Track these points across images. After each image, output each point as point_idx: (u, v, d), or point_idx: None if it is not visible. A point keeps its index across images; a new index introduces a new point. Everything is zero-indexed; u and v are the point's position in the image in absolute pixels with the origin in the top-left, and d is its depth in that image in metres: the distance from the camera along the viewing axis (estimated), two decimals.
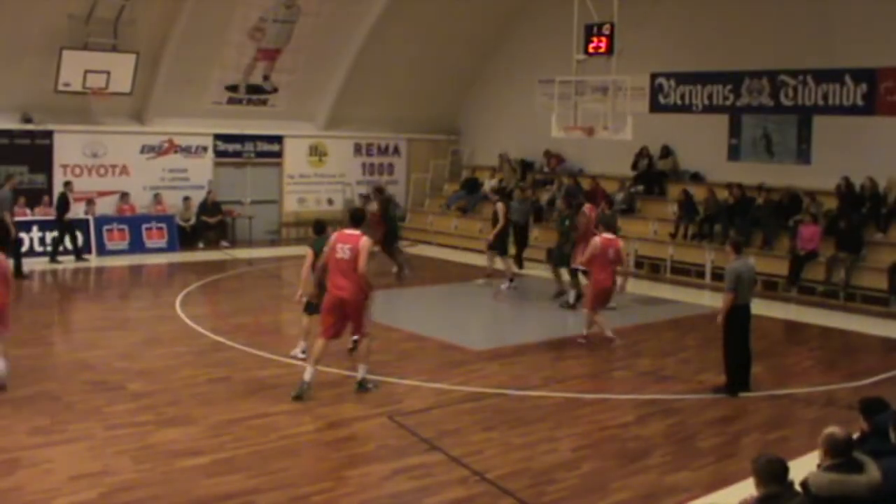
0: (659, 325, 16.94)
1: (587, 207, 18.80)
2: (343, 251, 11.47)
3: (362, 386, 11.92)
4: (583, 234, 17.49)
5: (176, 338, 15.10)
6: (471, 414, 11.21)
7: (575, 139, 22.43)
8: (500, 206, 20.33)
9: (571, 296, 17.68)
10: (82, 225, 23.45)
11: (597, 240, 14.96)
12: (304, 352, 13.30)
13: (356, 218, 12.19)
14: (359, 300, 11.49)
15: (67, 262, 22.43)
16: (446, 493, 8.75)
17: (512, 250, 20.81)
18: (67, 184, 22.99)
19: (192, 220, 25.72)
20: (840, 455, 6.33)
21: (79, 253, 22.81)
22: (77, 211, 23.57)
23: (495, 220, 20.18)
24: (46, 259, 22.36)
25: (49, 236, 22.89)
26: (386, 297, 19.16)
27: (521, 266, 21.11)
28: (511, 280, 19.65)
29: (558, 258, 18.62)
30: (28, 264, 21.27)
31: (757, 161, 23.04)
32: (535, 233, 23.95)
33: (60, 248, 22.66)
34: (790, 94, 22.39)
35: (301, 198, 28.69)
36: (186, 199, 25.84)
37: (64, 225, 22.63)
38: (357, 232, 11.68)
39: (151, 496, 8.38)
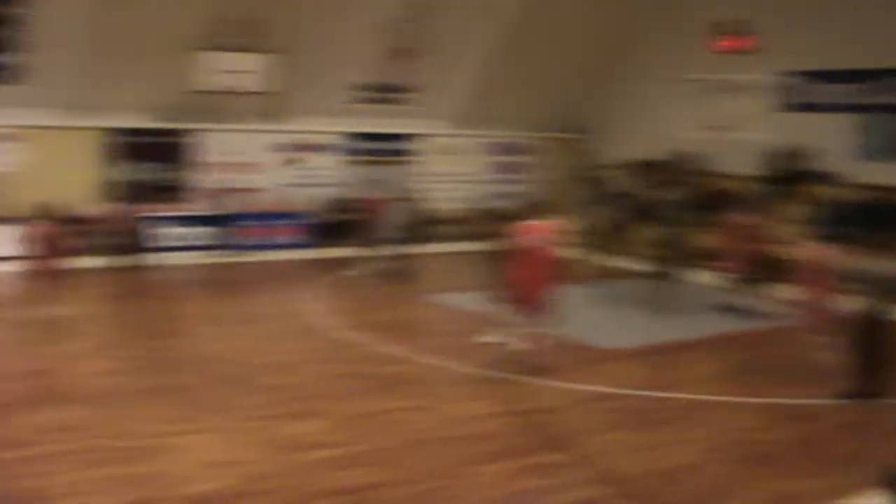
0: (791, 328, 16.41)
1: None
2: (534, 241, 12.47)
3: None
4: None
5: (308, 333, 15.34)
6: (598, 414, 11.08)
7: (706, 138, 22.00)
8: None
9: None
10: (222, 221, 24.07)
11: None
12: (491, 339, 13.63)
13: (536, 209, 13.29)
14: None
15: (220, 257, 23.23)
16: (572, 492, 8.65)
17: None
18: (221, 181, 23.74)
19: (327, 217, 26.06)
20: None
21: (228, 248, 23.55)
22: (213, 207, 24.30)
23: None
24: (202, 253, 23.32)
25: (192, 232, 23.61)
26: None
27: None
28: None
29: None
30: (170, 258, 22.03)
31: (893, 161, 22.17)
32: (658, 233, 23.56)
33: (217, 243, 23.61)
34: None
35: (432, 196, 28.79)
36: (320, 196, 26.21)
37: (219, 220, 23.56)
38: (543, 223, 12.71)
39: (281, 486, 8.52)
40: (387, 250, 21.77)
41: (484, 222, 28.93)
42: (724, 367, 13.77)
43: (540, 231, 12.64)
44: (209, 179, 24.72)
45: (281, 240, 24.80)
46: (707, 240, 18.79)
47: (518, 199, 29.52)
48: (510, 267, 12.74)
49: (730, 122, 24.41)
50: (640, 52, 28.40)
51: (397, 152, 28.20)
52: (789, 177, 24.09)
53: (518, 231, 12.69)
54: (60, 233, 16.63)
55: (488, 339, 13.64)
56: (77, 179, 23.46)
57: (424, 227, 27.94)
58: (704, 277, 17.97)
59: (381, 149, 27.95)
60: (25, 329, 14.95)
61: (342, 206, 26.08)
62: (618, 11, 27.41)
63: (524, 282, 12.55)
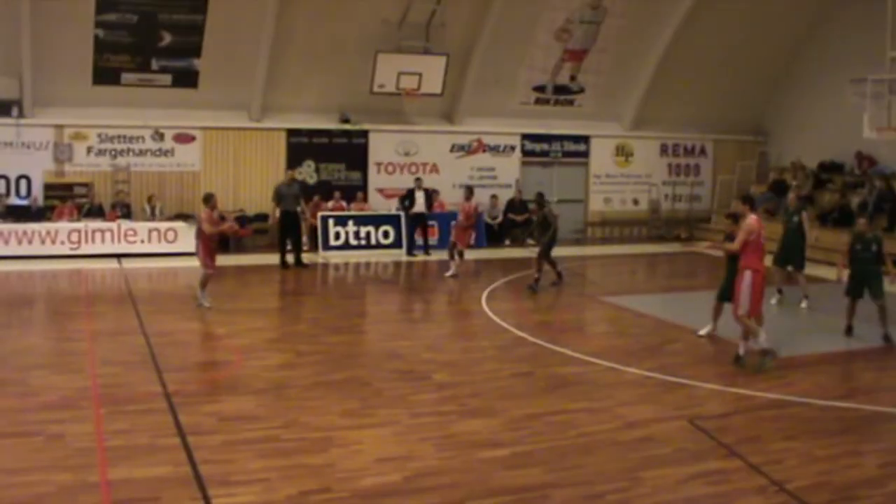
0: None
1: None
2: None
3: (740, 361, 12.90)
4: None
5: (480, 332, 15.41)
6: (772, 421, 10.71)
7: (889, 140, 21.06)
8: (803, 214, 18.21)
9: None
10: (398, 220, 24.45)
11: None
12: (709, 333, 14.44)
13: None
14: None
15: (399, 256, 23.77)
16: (743, 501, 8.38)
17: None
18: (418, 180, 24.21)
19: (500, 218, 26.20)
20: None
21: (407, 247, 24.10)
22: (390, 207, 24.78)
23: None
24: (379, 252, 23.98)
25: (363, 230, 24.07)
26: (684, 299, 18.77)
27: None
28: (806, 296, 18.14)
29: None
30: (343, 256, 22.56)
31: None
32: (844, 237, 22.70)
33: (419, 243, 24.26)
34: None
35: (607, 198, 28.60)
36: (494, 197, 26.36)
37: (395, 220, 24.22)
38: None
39: (451, 483, 8.55)
40: (563, 251, 21.64)
41: (659, 224, 28.58)
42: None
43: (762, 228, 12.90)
44: (386, 179, 25.24)
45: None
46: (894, 246, 17.93)
47: (695, 202, 29.08)
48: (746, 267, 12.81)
49: None
50: (821, 52, 27.43)
51: (571, 154, 28.05)
52: None
53: (752, 227, 12.75)
54: (234, 229, 17.29)
55: (705, 331, 14.48)
56: (258, 179, 24.27)
57: (596, 228, 27.82)
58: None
59: (555, 150, 27.85)
60: (204, 323, 15.53)
61: (517, 206, 26.14)
62: (792, 12, 26.57)
63: (759, 281, 12.85)
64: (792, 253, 17.71)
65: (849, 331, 14.89)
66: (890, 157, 25.28)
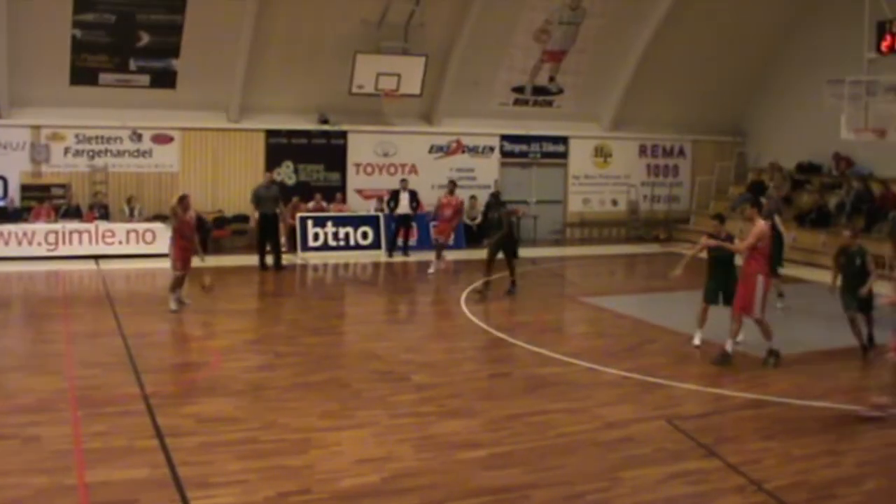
0: None
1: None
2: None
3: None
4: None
5: (460, 333, 15.42)
6: (751, 421, 10.76)
7: (866, 141, 21.17)
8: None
9: None
10: (373, 221, 24.46)
11: None
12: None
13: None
14: None
15: (379, 257, 23.74)
16: (722, 500, 8.42)
17: None
18: (404, 181, 24.32)
19: (479, 219, 26.20)
20: None
21: (386, 248, 24.11)
22: (369, 208, 24.77)
23: None
24: (358, 252, 23.93)
25: (342, 231, 24.07)
26: (663, 299, 18.82)
27: None
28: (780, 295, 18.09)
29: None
30: (322, 257, 22.54)
31: None
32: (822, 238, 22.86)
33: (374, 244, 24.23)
34: None
35: (585, 198, 28.66)
36: (473, 198, 26.37)
37: (376, 221, 24.33)
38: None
39: (431, 484, 8.55)
40: (542, 252, 21.66)
41: (638, 225, 28.67)
42: (883, 377, 13.23)
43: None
44: (364, 180, 25.25)
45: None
46: (874, 247, 17.98)
47: (673, 203, 29.18)
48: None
49: (891, 124, 23.44)
50: (798, 54, 27.57)
51: (550, 154, 28.10)
52: None
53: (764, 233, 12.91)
54: (209, 230, 17.17)
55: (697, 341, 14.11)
56: (237, 180, 24.21)
57: (575, 229, 27.88)
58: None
59: (534, 151, 27.90)
60: (182, 325, 15.48)
61: (496, 207, 26.11)
62: (771, 14, 26.70)
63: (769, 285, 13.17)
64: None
65: (865, 350, 13.79)
66: (867, 159, 25.42)
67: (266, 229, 21.10)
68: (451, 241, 22.02)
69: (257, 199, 21.14)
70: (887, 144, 20.54)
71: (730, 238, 13.87)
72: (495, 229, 18.70)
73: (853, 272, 13.86)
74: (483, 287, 18.35)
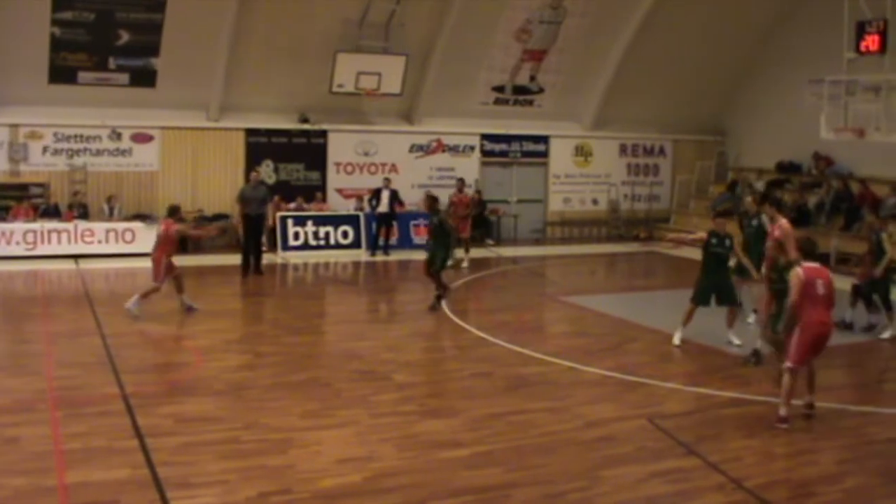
0: None
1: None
2: (821, 287, 10.57)
3: None
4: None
5: (441, 332, 15.44)
6: (731, 420, 10.81)
7: (845, 141, 21.29)
8: None
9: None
10: (354, 220, 24.44)
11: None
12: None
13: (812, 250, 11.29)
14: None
15: (359, 256, 23.73)
16: (702, 498, 8.46)
17: None
18: (387, 180, 24.40)
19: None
20: None
21: (368, 248, 24.14)
22: (349, 207, 24.77)
23: None
24: (340, 252, 23.91)
25: (323, 231, 24.06)
26: (643, 298, 18.88)
27: None
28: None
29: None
30: (303, 257, 22.53)
31: None
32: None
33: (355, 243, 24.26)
34: None
35: (566, 197, 28.70)
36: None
37: (358, 220, 24.41)
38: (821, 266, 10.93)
39: (412, 483, 8.55)
40: (523, 251, 21.67)
41: (619, 224, 28.73)
42: (860, 376, 13.33)
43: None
44: (345, 180, 25.24)
45: (418, 239, 24.88)
46: (849, 245, 18.13)
47: (654, 202, 29.26)
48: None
49: (870, 123, 23.57)
50: (779, 53, 27.68)
51: (530, 154, 28.14)
52: None
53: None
54: (191, 231, 16.95)
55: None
56: (217, 179, 24.13)
57: (556, 228, 27.92)
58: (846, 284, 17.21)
59: (515, 150, 27.93)
60: (162, 324, 15.41)
61: (477, 206, 26.14)
62: (752, 14, 26.79)
63: None
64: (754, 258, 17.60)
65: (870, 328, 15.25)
66: (847, 158, 25.54)
67: (250, 231, 20.59)
68: (468, 234, 22.47)
69: (243, 199, 20.65)
70: (866, 144, 20.66)
71: (729, 238, 13.88)
72: (438, 237, 16.86)
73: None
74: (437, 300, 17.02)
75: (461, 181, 22.96)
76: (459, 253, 20.65)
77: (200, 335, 14.58)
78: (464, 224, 21.79)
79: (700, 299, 13.96)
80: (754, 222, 15.76)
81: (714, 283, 13.85)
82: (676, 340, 14.11)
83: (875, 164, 24.28)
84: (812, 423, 10.60)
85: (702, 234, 14.21)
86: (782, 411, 10.36)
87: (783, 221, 13.17)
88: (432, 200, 17.43)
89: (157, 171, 23.95)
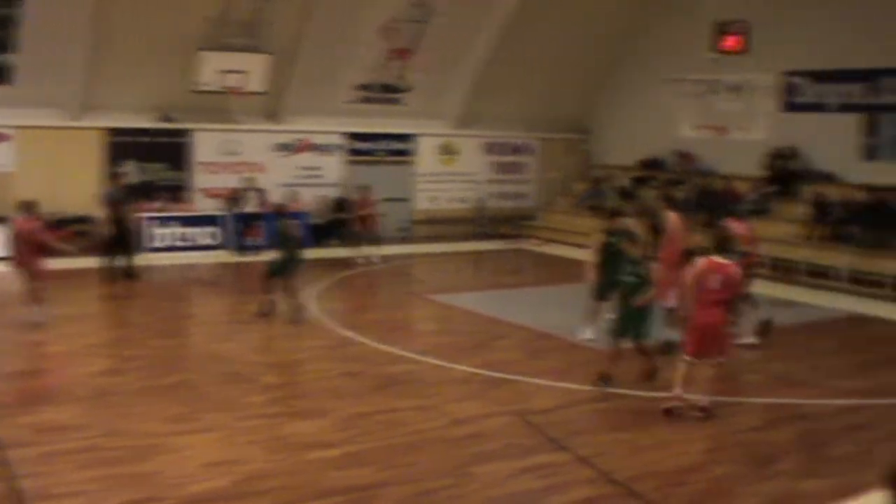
0: (792, 328, 16.40)
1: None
2: (714, 282, 10.76)
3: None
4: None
5: (308, 332, 15.36)
6: (601, 414, 11.10)
7: (707, 138, 21.99)
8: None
9: None
10: (224, 221, 24.15)
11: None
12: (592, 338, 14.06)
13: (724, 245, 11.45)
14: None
15: (222, 257, 23.47)
16: (573, 492, 8.67)
17: None
18: (250, 179, 24.29)
19: (326, 218, 26.08)
20: None
21: (230, 248, 23.90)
22: (215, 207, 24.49)
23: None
24: (203, 253, 23.61)
25: (188, 232, 23.74)
26: (516, 295, 19.16)
27: None
28: None
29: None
30: (168, 258, 22.14)
31: (894, 161, 22.14)
32: None
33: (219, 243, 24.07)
34: None
35: (432, 196, 28.86)
36: (320, 196, 26.25)
37: (220, 220, 24.19)
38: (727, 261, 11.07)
39: (281, 486, 8.54)
40: (389, 250, 21.77)
41: (485, 222, 29.02)
42: (726, 368, 13.77)
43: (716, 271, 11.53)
44: (210, 179, 24.87)
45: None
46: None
47: (520, 200, 29.64)
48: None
49: (731, 122, 24.37)
50: (642, 52, 28.38)
51: (396, 152, 28.21)
52: (788, 177, 24.11)
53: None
54: (47, 231, 16.14)
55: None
56: (78, 180, 23.48)
57: (422, 227, 28.05)
58: None
59: (381, 149, 27.96)
60: (21, 329, 14.90)
61: (341, 206, 26.10)
62: (616, 12, 27.40)
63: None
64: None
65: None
66: (707, 155, 26.31)
67: (116, 234, 20.05)
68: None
69: (109, 200, 20.10)
70: (727, 141, 21.34)
71: (628, 233, 13.63)
72: (283, 243, 16.31)
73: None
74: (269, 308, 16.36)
75: (365, 187, 24.04)
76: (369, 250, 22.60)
77: (62, 340, 14.17)
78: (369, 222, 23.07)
79: (599, 295, 14.08)
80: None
81: (613, 282, 13.66)
82: (589, 335, 14.25)
83: (736, 161, 25.03)
84: (680, 416, 10.90)
85: (599, 240, 14.21)
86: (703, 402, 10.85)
87: (671, 215, 13.52)
88: (280, 206, 17.43)
89: (14, 172, 23.16)
